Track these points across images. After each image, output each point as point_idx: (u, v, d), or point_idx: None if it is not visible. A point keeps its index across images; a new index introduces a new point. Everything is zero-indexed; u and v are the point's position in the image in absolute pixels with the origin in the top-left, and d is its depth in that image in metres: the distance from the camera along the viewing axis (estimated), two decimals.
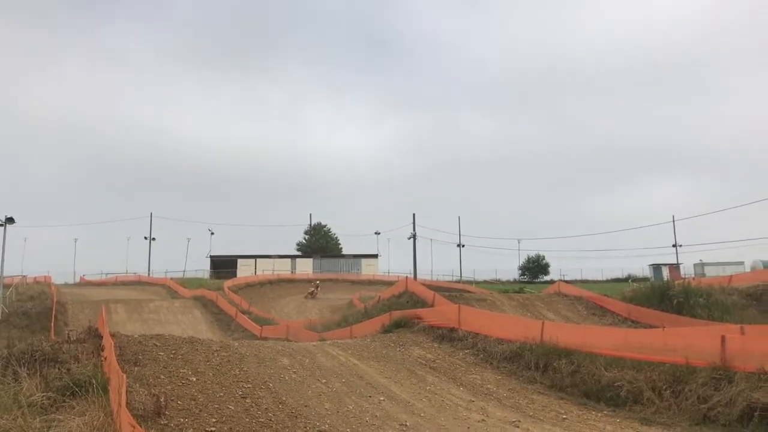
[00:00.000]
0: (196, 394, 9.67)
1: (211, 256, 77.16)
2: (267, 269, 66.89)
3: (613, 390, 10.21)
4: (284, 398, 9.91)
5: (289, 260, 74.57)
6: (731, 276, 32.18)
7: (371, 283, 58.59)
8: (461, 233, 79.16)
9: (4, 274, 37.18)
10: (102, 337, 12.59)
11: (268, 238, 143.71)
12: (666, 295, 24.35)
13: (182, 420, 8.26)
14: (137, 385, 9.52)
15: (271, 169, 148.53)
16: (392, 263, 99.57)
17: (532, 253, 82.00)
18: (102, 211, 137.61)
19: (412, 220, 69.04)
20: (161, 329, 28.36)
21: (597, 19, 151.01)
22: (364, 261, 75.39)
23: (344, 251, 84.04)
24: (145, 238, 77.87)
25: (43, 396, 8.70)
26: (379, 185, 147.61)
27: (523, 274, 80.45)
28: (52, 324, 32.77)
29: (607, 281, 67.32)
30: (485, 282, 66.81)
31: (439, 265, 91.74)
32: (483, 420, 9.19)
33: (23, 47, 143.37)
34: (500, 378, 12.33)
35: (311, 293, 48.93)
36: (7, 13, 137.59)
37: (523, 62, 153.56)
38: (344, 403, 9.88)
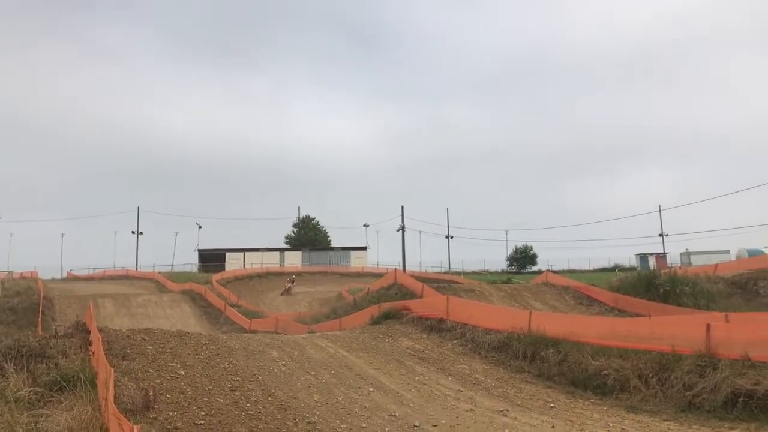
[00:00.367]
0: (185, 387, 9.68)
1: (199, 250, 76.96)
2: (255, 263, 66.78)
3: (600, 378, 10.30)
4: (273, 390, 9.93)
5: (277, 253, 74.43)
6: (717, 265, 32.45)
7: (360, 275, 58.60)
8: (450, 225, 79.42)
9: None
10: (90, 331, 12.55)
11: (257, 232, 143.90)
12: (652, 284, 24.52)
13: (171, 413, 8.27)
14: (126, 379, 9.51)
15: (259, 163, 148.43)
16: (381, 255, 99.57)
17: (520, 244, 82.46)
18: (89, 205, 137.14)
19: (400, 213, 69.15)
20: (149, 323, 28.28)
21: (583, 9, 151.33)
22: (353, 253, 75.41)
23: (333, 244, 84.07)
24: (133, 232, 77.66)
25: (30, 391, 8.66)
26: (367, 178, 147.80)
27: (511, 265, 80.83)
28: (39, 319, 32.53)
29: (594, 271, 67.77)
30: (473, 273, 67.07)
31: (427, 256, 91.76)
32: (471, 409, 9.25)
33: (6, 39, 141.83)
34: (488, 368, 12.40)
35: (287, 289, 47.93)
36: None
37: (511, 54, 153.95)
38: (333, 395, 9.91)
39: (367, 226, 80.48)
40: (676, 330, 10.45)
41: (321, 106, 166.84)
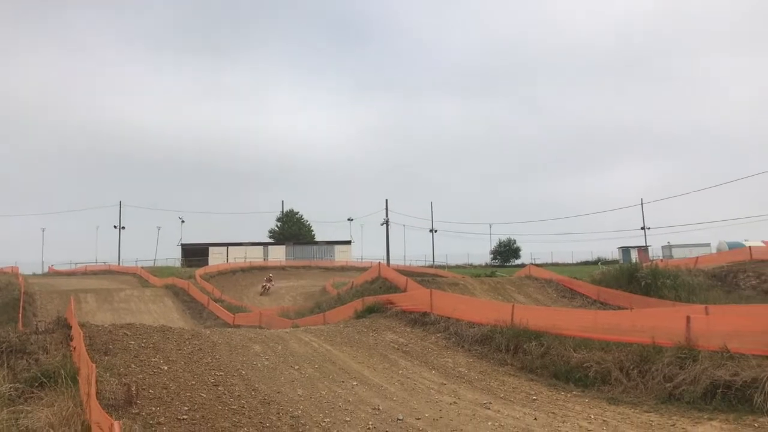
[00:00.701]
0: (167, 382, 9.64)
1: (182, 245, 76.64)
2: (239, 257, 66.62)
3: (582, 371, 10.38)
4: (257, 385, 9.92)
5: (261, 248, 74.24)
6: (697, 258, 32.83)
7: (344, 269, 58.61)
8: (434, 219, 79.64)
9: None
10: (71, 327, 12.48)
11: (240, 226, 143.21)
12: (634, 276, 24.77)
13: (154, 409, 8.24)
14: (108, 374, 9.45)
15: (242, 157, 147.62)
16: (365, 249, 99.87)
17: (504, 238, 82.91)
18: (70, 200, 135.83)
19: (384, 206, 69.23)
20: (132, 318, 28.07)
21: (567, 3, 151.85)
22: (337, 247, 75.42)
23: (317, 238, 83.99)
24: (115, 227, 77.12)
25: (10, 387, 8.61)
26: (351, 171, 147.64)
27: (494, 258, 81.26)
28: (20, 315, 32.19)
29: (577, 264, 68.37)
30: (458, 266, 67.42)
31: (412, 250, 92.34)
32: (455, 402, 9.30)
33: None
34: (472, 361, 12.46)
35: (264, 288, 45.81)
36: None
37: (495, 47, 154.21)
38: (317, 389, 9.91)
39: (352, 220, 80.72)
40: (656, 322, 10.55)
41: (305, 99, 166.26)
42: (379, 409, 8.79)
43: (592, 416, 8.29)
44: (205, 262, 65.23)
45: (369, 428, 7.98)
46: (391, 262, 63.20)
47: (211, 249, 72.76)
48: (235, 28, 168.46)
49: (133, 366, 10.44)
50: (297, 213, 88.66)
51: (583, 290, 25.84)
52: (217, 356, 11.74)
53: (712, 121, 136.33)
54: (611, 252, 74.19)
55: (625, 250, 70.67)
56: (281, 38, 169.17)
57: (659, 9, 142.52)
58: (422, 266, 64.74)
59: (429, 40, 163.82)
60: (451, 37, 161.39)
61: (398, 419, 8.30)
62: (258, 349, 12.71)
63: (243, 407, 8.63)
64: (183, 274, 49.74)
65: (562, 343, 11.52)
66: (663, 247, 71.22)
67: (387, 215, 69.08)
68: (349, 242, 77.25)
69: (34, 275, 56.31)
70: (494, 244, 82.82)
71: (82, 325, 12.45)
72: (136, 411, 8.04)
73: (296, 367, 11.41)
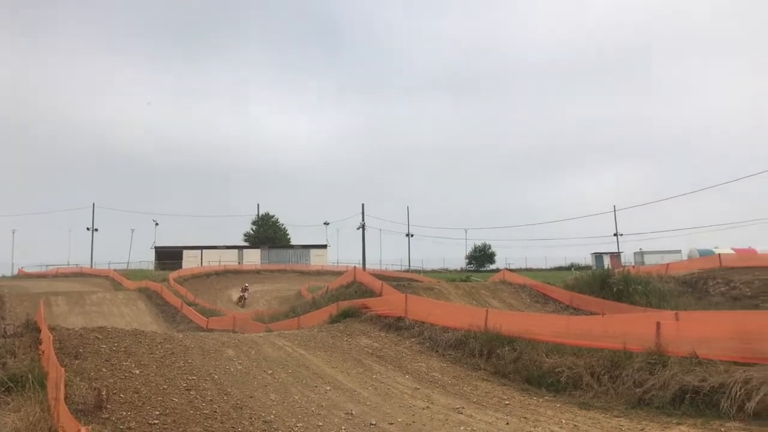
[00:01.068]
0: (139, 386, 9.54)
1: (156, 247, 75.83)
2: (213, 260, 66.13)
3: (554, 376, 10.47)
4: (229, 390, 9.86)
5: (236, 251, 73.83)
6: (668, 264, 33.32)
7: (320, 273, 58.54)
8: (410, 223, 79.75)
9: None
10: (40, 330, 12.29)
11: (215, 229, 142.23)
12: (606, 282, 25.02)
13: (124, 413, 8.15)
14: (78, 378, 9.34)
15: (217, 159, 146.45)
16: (341, 253, 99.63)
17: (479, 242, 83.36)
18: (42, 201, 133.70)
19: (361, 210, 69.16)
20: (104, 322, 27.78)
21: (541, 12, 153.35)
22: (313, 251, 75.23)
23: (293, 242, 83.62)
24: (88, 229, 76.04)
25: None
26: (327, 175, 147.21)
27: (470, 263, 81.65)
28: None
29: (551, 269, 68.92)
30: (433, 271, 67.56)
31: (388, 254, 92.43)
32: (428, 407, 9.32)
33: None
34: (445, 365, 12.50)
35: (241, 299, 43.82)
36: None
37: (472, 52, 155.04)
38: (290, 394, 9.88)
39: (328, 224, 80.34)
40: (627, 328, 10.68)
41: (281, 101, 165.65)
42: (352, 414, 8.78)
43: (563, 421, 8.36)
44: (179, 266, 64.60)
45: None
46: (367, 266, 63.11)
47: (185, 252, 72.13)
48: (214, 30, 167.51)
49: (104, 370, 10.32)
50: (273, 216, 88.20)
51: (556, 296, 26.05)
52: (190, 360, 11.65)
53: (685, 129, 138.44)
54: (584, 258, 75.02)
55: (598, 256, 71.48)
56: (259, 41, 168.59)
57: (635, 17, 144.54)
58: (398, 271, 64.81)
59: (407, 45, 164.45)
60: (428, 42, 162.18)
61: (371, 424, 8.30)
62: (231, 353, 12.63)
63: (215, 412, 8.58)
64: (157, 277, 49.30)
65: (534, 348, 11.61)
66: (635, 254, 72.17)
67: (363, 219, 68.93)
68: (325, 246, 77.08)
69: (4, 278, 55.48)
70: (470, 249, 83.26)
71: (51, 329, 12.28)
72: (106, 416, 7.95)
73: (269, 371, 11.35)
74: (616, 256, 70.69)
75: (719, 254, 32.73)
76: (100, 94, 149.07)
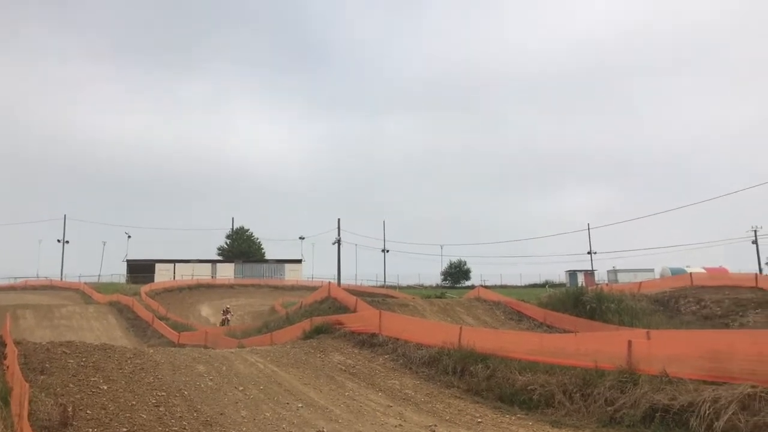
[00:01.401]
0: (106, 402, 9.35)
1: (127, 260, 74.95)
2: (186, 274, 65.45)
3: (527, 393, 10.47)
4: (199, 406, 9.70)
5: (209, 265, 73.16)
6: (641, 283, 33.69)
7: (294, 288, 58.23)
8: (386, 238, 79.75)
9: None
10: (5, 345, 12.03)
11: (189, 243, 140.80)
12: (580, 300, 25.17)
13: (91, 430, 7.98)
14: (43, 394, 9.12)
15: (191, 172, 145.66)
16: (316, 268, 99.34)
17: (455, 259, 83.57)
18: (11, 212, 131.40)
19: (337, 225, 69.08)
20: (73, 336, 27.30)
21: (522, 28, 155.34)
22: (287, 266, 74.83)
23: (267, 256, 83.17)
24: (59, 240, 75.08)
25: None
26: (304, 190, 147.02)
27: (445, 279, 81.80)
28: None
29: (526, 287, 69.32)
30: (409, 287, 67.58)
31: (363, 270, 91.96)
32: (400, 425, 9.26)
33: None
34: (418, 383, 12.45)
35: (224, 323, 40.95)
36: None
37: (448, 69, 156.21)
38: (261, 411, 9.75)
39: (303, 238, 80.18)
40: (600, 346, 10.72)
41: (257, 115, 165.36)
42: None
43: None
44: (152, 279, 63.92)
45: None
46: (343, 281, 62.94)
47: (157, 266, 71.33)
48: (191, 43, 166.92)
49: (71, 385, 10.11)
50: (247, 230, 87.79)
51: (530, 313, 26.13)
52: (160, 376, 11.45)
53: (661, 149, 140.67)
54: (559, 275, 75.55)
55: (572, 274, 72.08)
56: (236, 55, 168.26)
57: (615, 35, 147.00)
58: (373, 286, 64.74)
59: (383, 60, 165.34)
60: (405, 58, 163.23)
61: None
62: (202, 369, 12.45)
63: (184, 428, 8.43)
64: (128, 290, 48.70)
65: (508, 365, 11.60)
66: (608, 272, 72.94)
67: (339, 234, 68.89)
68: (300, 261, 76.76)
69: None
70: (445, 265, 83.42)
71: (17, 343, 12.04)
72: None
73: (240, 388, 11.21)
74: (590, 273, 71.39)
75: (691, 273, 33.25)
76: (71, 104, 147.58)
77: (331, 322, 18.30)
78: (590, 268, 73.24)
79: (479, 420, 9.66)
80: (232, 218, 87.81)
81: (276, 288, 59.18)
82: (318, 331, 17.83)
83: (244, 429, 8.64)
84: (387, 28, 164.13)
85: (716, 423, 7.56)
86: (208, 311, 45.12)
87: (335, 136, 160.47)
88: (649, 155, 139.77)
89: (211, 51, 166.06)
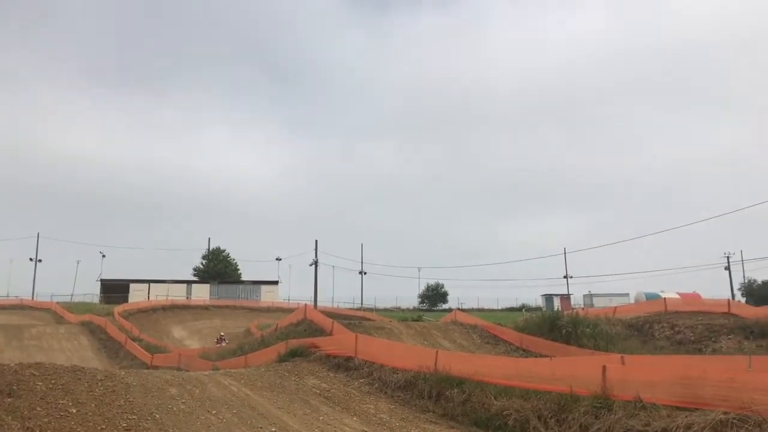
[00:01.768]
0: (75, 426, 9.15)
1: (101, 280, 73.83)
2: (161, 294, 64.66)
3: (502, 419, 10.43)
4: (170, 430, 9.54)
5: (184, 285, 72.35)
6: (616, 307, 33.84)
7: (270, 310, 57.77)
8: (363, 261, 79.57)
9: None
10: None
11: (164, 263, 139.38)
12: (556, 324, 25.18)
13: None
14: (9, 418, 8.92)
15: (169, 192, 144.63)
16: (293, 290, 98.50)
17: (432, 282, 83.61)
18: None
19: (314, 247, 68.84)
20: (43, 357, 26.80)
21: (497, 54, 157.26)
22: (263, 287, 74.26)
23: (244, 277, 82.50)
24: (31, 259, 73.91)
25: None
26: (281, 211, 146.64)
27: (422, 302, 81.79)
28: None
29: (503, 310, 69.50)
30: (386, 310, 67.36)
31: (341, 292, 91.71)
32: None
33: None
34: (394, 407, 12.37)
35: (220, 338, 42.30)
36: None
37: (427, 93, 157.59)
38: None
39: (280, 259, 79.70)
40: (574, 371, 10.75)
41: (235, 136, 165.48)
42: None
43: None
44: (126, 299, 63.06)
45: None
46: (320, 303, 62.62)
47: (132, 285, 70.42)
48: (166, 66, 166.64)
49: (39, 408, 9.87)
50: (224, 251, 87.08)
51: (506, 337, 26.12)
52: (131, 399, 11.25)
53: (635, 173, 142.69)
54: (535, 299, 75.88)
55: (548, 298, 72.45)
56: (212, 77, 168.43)
57: (585, 60, 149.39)
58: (350, 308, 64.43)
59: (361, 81, 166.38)
60: (383, 80, 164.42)
61: None
62: (174, 392, 12.26)
63: None
64: (101, 310, 48.00)
65: (483, 390, 11.58)
66: (584, 296, 73.40)
67: (316, 256, 68.65)
68: (276, 282, 76.22)
69: None
70: (423, 287, 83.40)
71: None
72: None
73: (213, 411, 11.05)
74: (566, 298, 71.76)
75: (665, 298, 33.51)
76: (50, 122, 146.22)
77: (306, 345, 18.16)
78: (566, 293, 73.64)
79: None
80: (209, 239, 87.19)
81: (252, 309, 58.66)
82: (293, 354, 17.67)
83: None
84: (368, 53, 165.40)
85: None
86: (182, 332, 44.56)
87: (312, 158, 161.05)
88: (625, 181, 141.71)
89: (187, 74, 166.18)
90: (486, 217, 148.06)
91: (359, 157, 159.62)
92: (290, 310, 42.07)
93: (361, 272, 79.03)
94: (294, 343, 18.78)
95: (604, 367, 9.95)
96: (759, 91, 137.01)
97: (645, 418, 8.50)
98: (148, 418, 10.15)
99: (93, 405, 10.50)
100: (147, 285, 70.21)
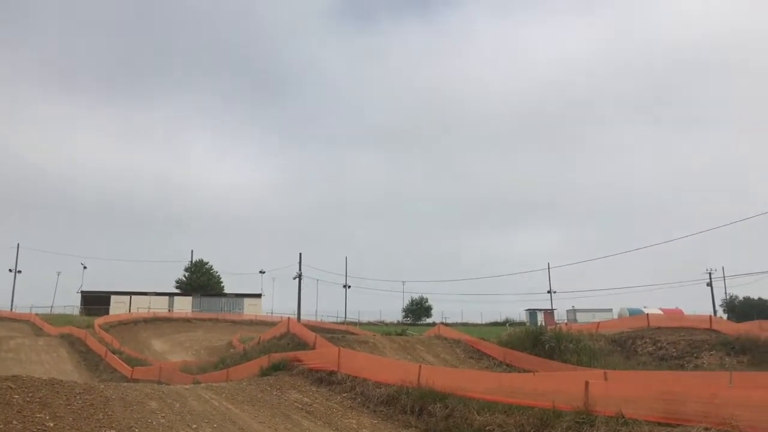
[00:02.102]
0: None
1: (82, 292, 72.99)
2: (143, 307, 64.09)
3: None
4: None
5: (166, 298, 71.77)
6: (599, 323, 34.03)
7: (253, 323, 57.38)
8: (348, 274, 79.34)
9: None
10: None
11: (146, 275, 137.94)
12: (539, 339, 25.22)
13: None
14: None
15: (151, 203, 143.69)
16: (276, 303, 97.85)
17: (416, 295, 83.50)
18: None
19: (298, 260, 68.60)
20: (21, 369, 26.41)
21: (484, 68, 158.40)
22: (246, 300, 73.82)
23: (226, 290, 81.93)
24: (10, 270, 73.01)
25: None
26: (265, 224, 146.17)
27: (406, 316, 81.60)
28: None
29: (486, 324, 69.60)
30: (369, 323, 67.21)
31: (324, 305, 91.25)
32: None
33: None
34: (376, 422, 12.28)
35: None
36: None
37: (412, 107, 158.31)
38: None
39: (264, 272, 79.24)
40: (557, 386, 10.74)
41: (218, 147, 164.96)
42: None
43: None
44: (107, 311, 62.40)
45: None
46: (303, 317, 62.31)
47: (113, 297, 69.76)
48: (154, 74, 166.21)
49: (15, 422, 9.70)
50: (207, 263, 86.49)
51: (490, 351, 26.11)
52: (110, 412, 11.08)
53: (619, 191, 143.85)
54: (519, 314, 76.00)
55: (532, 313, 72.62)
56: (199, 87, 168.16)
57: (567, 76, 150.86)
58: (334, 322, 64.17)
59: (347, 94, 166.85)
60: (370, 93, 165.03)
61: None
62: (154, 406, 12.09)
63: None
64: (81, 322, 47.35)
65: (466, 405, 11.53)
66: (568, 311, 73.73)
67: (300, 269, 68.43)
68: (259, 295, 75.78)
69: None
70: (407, 301, 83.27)
71: None
72: None
73: (194, 426, 10.91)
74: (549, 313, 71.96)
75: (648, 314, 33.73)
76: (31, 129, 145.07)
77: (289, 358, 18.04)
78: (550, 308, 73.85)
79: None
80: (191, 251, 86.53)
81: (234, 323, 58.26)
82: (276, 368, 17.54)
83: None
84: (355, 66, 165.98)
85: None
86: (163, 345, 44.11)
87: (298, 171, 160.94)
88: (609, 197, 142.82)
89: (175, 83, 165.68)
90: (471, 231, 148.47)
91: (345, 170, 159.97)
92: (273, 324, 41.81)
93: (345, 285, 78.80)
94: (276, 356, 18.65)
95: (586, 383, 9.94)
96: (741, 108, 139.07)
97: None
98: None
99: (71, 419, 10.33)
100: (128, 297, 69.58)
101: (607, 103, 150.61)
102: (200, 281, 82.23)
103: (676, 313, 48.83)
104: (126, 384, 17.68)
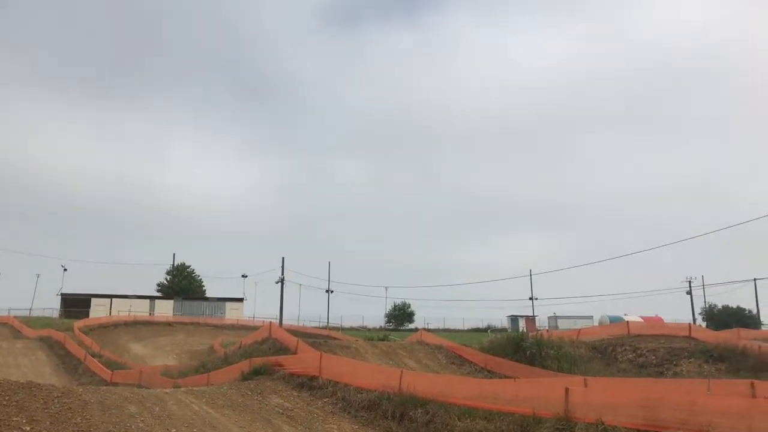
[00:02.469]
0: None
1: (62, 294, 72.18)
2: (123, 310, 63.56)
3: None
4: None
5: (147, 301, 71.23)
6: (580, 330, 34.22)
7: (235, 327, 57.07)
8: (330, 279, 79.15)
9: None
10: None
11: (127, 278, 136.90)
12: (520, 346, 25.28)
13: None
14: None
15: (131, 205, 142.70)
16: (258, 308, 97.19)
17: (399, 301, 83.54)
18: None
19: (281, 264, 68.37)
20: None
21: (467, 75, 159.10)
22: (228, 304, 73.45)
23: (208, 294, 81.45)
24: None
25: None
26: (248, 228, 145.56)
27: (389, 321, 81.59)
28: None
29: (468, 330, 69.76)
30: (352, 329, 67.09)
31: (307, 310, 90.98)
32: None
33: None
34: (357, 428, 12.27)
35: None
36: None
37: (399, 111, 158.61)
38: None
39: (246, 276, 78.82)
40: (538, 393, 10.79)
41: (203, 152, 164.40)
42: None
43: None
44: (87, 314, 61.75)
45: None
46: (286, 321, 62.05)
47: (93, 300, 69.09)
48: (138, 78, 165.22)
49: None
50: (189, 267, 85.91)
51: (471, 357, 26.15)
52: (88, 417, 10.97)
53: (600, 200, 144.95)
54: (501, 320, 76.22)
55: (514, 319, 72.93)
56: (180, 91, 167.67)
57: (551, 86, 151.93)
58: (316, 327, 64.02)
59: (330, 100, 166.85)
60: (351, 99, 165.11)
61: None
62: (134, 410, 11.99)
63: None
64: (61, 325, 46.79)
65: (447, 411, 11.55)
66: (549, 318, 74.11)
67: (283, 273, 68.16)
68: (241, 299, 75.42)
69: None
70: (389, 306, 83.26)
71: None
72: None
73: (173, 430, 10.83)
74: (531, 319, 72.26)
75: (628, 322, 33.97)
76: (11, 131, 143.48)
77: (270, 363, 17.96)
78: (532, 314, 74.17)
79: None
80: (173, 254, 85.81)
81: (216, 327, 57.89)
82: (257, 373, 17.46)
83: None
84: (340, 73, 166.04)
85: None
86: (144, 349, 43.74)
87: (283, 175, 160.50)
88: (590, 205, 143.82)
89: (155, 88, 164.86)
90: (454, 238, 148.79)
91: (327, 175, 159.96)
92: (255, 328, 41.56)
93: (327, 290, 78.58)
94: (258, 361, 18.56)
95: (567, 389, 10.01)
96: (723, 119, 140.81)
97: None
98: None
99: (48, 423, 10.22)
100: (109, 300, 69.00)
101: (591, 111, 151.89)
102: (182, 285, 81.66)
103: (656, 321, 49.22)
104: (105, 388, 17.52)
